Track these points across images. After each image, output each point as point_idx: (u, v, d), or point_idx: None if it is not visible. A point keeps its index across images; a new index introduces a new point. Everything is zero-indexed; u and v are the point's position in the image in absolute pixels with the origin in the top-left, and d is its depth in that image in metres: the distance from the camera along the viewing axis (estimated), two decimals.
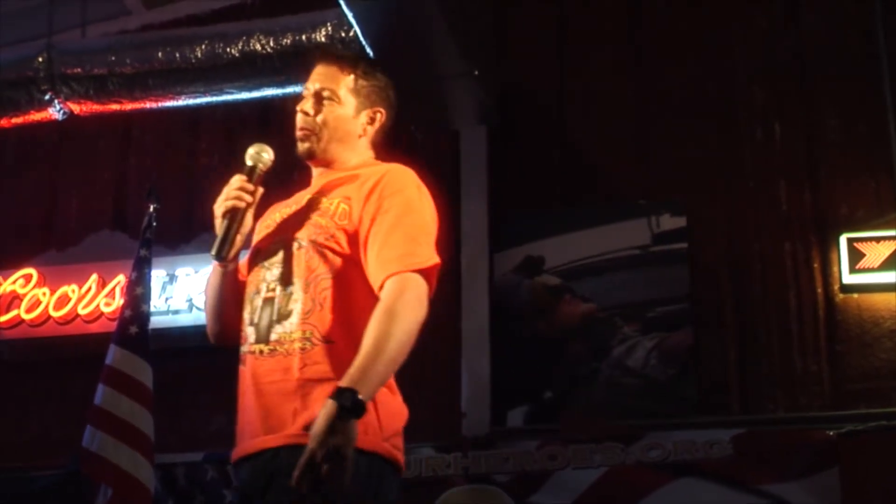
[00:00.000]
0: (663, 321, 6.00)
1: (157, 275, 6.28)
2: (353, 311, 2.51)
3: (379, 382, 2.40)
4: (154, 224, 5.68)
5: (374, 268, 2.53)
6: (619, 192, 6.33)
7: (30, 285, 6.76)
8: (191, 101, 6.31)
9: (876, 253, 5.76)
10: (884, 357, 5.73)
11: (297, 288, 2.56)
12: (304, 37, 6.00)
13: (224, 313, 2.74)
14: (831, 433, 5.48)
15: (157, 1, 7.24)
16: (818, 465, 5.41)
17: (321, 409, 2.31)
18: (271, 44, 6.06)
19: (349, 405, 2.29)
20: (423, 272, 2.52)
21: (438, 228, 2.67)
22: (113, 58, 6.23)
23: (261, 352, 2.56)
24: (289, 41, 6.03)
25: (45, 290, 6.74)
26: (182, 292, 6.53)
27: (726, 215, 6.16)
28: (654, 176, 6.28)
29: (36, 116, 6.43)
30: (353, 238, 2.59)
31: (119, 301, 6.33)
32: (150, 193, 5.73)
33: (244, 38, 6.09)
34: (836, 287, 5.86)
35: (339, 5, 5.43)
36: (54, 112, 6.38)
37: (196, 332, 5.83)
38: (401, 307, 2.44)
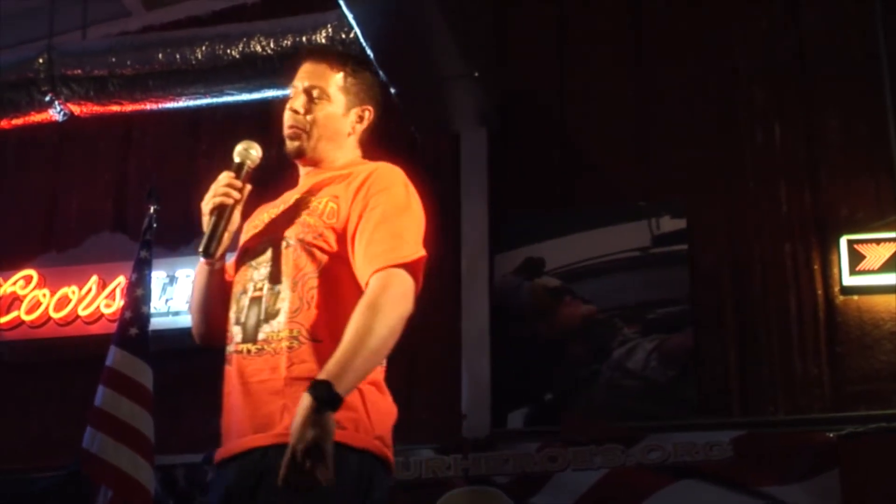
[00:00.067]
0: (663, 323, 5.99)
1: (158, 276, 6.28)
2: (340, 310, 2.49)
3: (358, 377, 2.39)
4: (154, 225, 5.68)
5: (361, 264, 2.53)
6: (619, 193, 6.32)
7: (30, 286, 6.76)
8: (191, 103, 6.31)
9: (876, 255, 5.75)
10: (884, 359, 5.72)
11: (284, 287, 2.56)
12: (304, 38, 6.00)
13: (210, 313, 2.73)
14: (831, 435, 5.47)
15: (157, 2, 7.24)
16: (818, 467, 5.40)
17: (299, 404, 2.31)
18: (272, 45, 6.06)
19: (324, 397, 2.28)
20: (409, 266, 2.51)
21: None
22: (113, 59, 6.24)
23: (248, 351, 2.55)
24: (289, 42, 6.03)
25: (46, 291, 6.74)
26: (182, 294, 6.52)
27: (726, 216, 6.14)
28: (654, 176, 6.27)
29: (36, 118, 6.44)
30: (341, 236, 2.58)
31: (119, 302, 6.33)
32: (151, 195, 5.73)
33: (245, 39, 6.10)
34: (837, 289, 5.85)
35: (340, 7, 5.43)
36: (55, 113, 6.39)
37: None
38: (384, 302, 2.44)
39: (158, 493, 5.63)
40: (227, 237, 2.64)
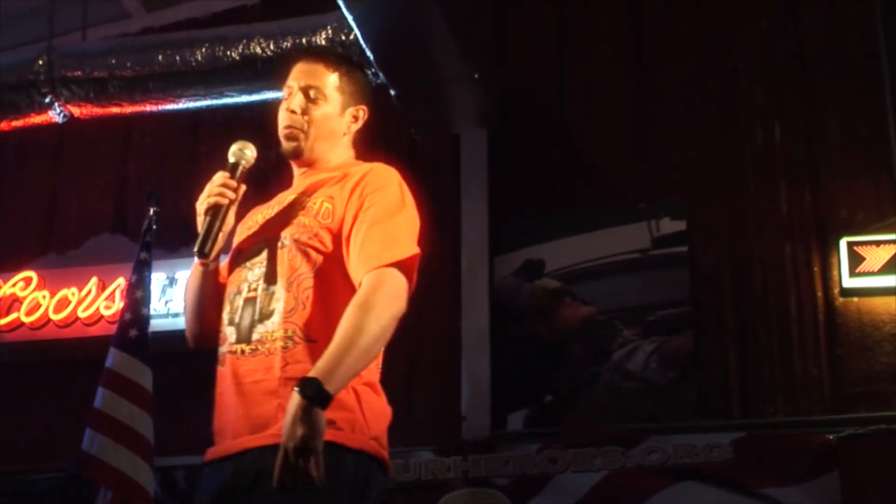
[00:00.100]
0: (663, 325, 5.99)
1: (157, 278, 6.29)
2: (335, 310, 2.48)
3: (348, 375, 2.38)
4: (154, 227, 5.69)
5: (355, 264, 2.53)
6: (618, 194, 6.32)
7: (30, 288, 6.77)
8: (191, 104, 6.31)
9: (876, 257, 5.74)
10: (884, 361, 5.71)
11: (279, 287, 2.55)
12: (304, 40, 6.00)
13: (204, 315, 2.73)
14: (831, 437, 5.47)
15: (157, 4, 7.24)
16: (818, 468, 5.39)
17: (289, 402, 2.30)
18: (271, 47, 6.05)
19: (312, 395, 2.28)
20: (402, 265, 2.50)
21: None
22: (113, 61, 6.24)
23: (242, 351, 2.55)
24: (289, 44, 6.03)
25: (45, 292, 6.75)
26: (182, 295, 6.51)
27: (726, 217, 6.14)
28: (654, 177, 6.27)
29: (36, 119, 6.44)
30: (336, 237, 2.58)
31: (119, 304, 6.33)
32: (150, 196, 5.74)
33: (244, 41, 6.09)
34: (837, 290, 5.84)
35: (340, 8, 5.42)
36: (54, 115, 6.38)
37: None
38: (376, 301, 2.43)
39: (158, 495, 5.62)
40: (221, 237, 2.64)
